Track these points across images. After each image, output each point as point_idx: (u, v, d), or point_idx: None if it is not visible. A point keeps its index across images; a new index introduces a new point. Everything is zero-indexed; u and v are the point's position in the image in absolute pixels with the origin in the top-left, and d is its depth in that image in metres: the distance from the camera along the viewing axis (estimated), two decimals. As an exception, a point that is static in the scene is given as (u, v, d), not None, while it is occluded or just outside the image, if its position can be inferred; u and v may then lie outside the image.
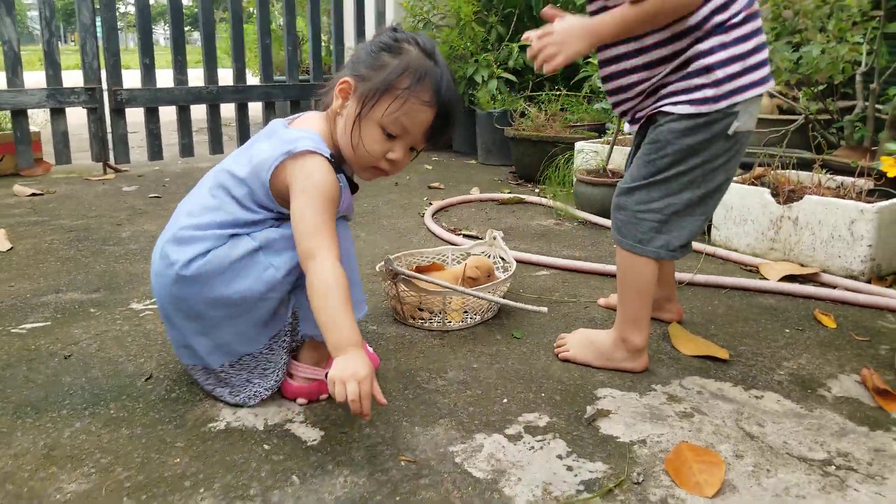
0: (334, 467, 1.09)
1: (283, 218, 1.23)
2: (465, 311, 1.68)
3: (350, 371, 1.06)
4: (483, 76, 4.17)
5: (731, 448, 1.16)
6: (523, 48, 4.27)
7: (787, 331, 1.66)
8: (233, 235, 1.20)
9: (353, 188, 1.32)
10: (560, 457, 1.13)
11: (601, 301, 1.83)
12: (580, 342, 1.48)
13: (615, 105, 1.43)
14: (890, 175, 1.71)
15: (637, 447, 1.16)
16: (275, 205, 1.22)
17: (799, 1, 2.48)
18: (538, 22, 4.46)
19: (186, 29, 4.10)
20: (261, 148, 1.24)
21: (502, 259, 1.92)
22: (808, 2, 2.46)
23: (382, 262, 1.64)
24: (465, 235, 2.48)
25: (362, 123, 1.21)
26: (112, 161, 3.81)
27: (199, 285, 1.18)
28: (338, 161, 1.24)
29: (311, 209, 1.15)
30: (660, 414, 1.27)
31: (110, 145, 3.82)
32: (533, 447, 1.15)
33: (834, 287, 1.95)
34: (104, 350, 1.50)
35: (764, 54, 1.28)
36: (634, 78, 1.35)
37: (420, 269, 1.80)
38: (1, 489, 1.03)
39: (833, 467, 1.11)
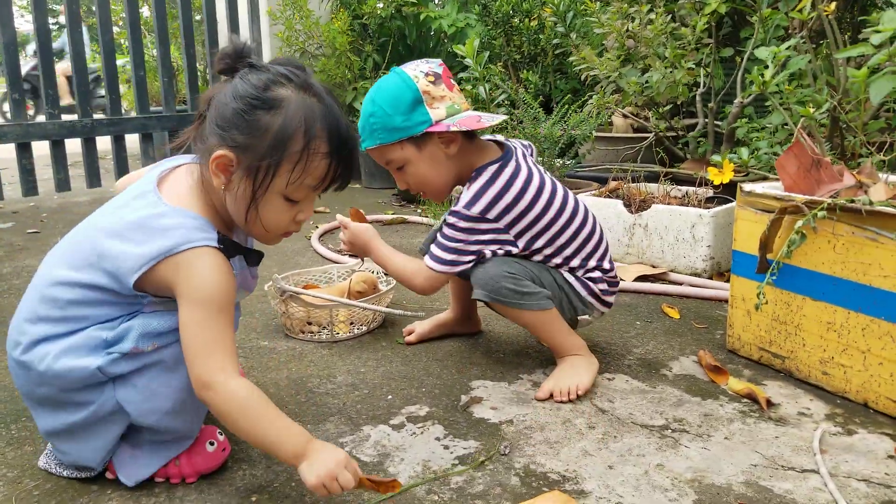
0: (233, 464, 1.19)
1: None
2: (352, 323, 1.81)
3: (330, 465, 0.99)
4: (362, 103, 4.32)
5: (585, 421, 1.34)
6: (400, 76, 4.47)
7: (639, 323, 1.89)
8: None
9: (256, 257, 1.19)
10: (438, 439, 1.27)
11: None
12: (568, 375, 1.47)
13: None
14: (716, 183, 1.98)
15: (505, 426, 1.32)
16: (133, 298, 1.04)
17: (640, 31, 2.79)
18: (411, 49, 4.70)
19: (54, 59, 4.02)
20: (118, 247, 1.02)
21: (385, 274, 2.06)
22: (648, 31, 2.77)
23: (271, 282, 1.75)
24: (350, 255, 2.60)
25: (259, 203, 1.06)
26: (-17, 198, 3.68)
27: None
28: (226, 238, 1.08)
29: (200, 325, 1.00)
30: (526, 398, 1.44)
31: (-20, 182, 3.70)
32: (414, 433, 1.29)
33: (680, 284, 2.21)
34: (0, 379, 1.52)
35: None
36: None
37: (308, 287, 1.91)
38: None
39: (669, 430, 1.31)
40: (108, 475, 1.14)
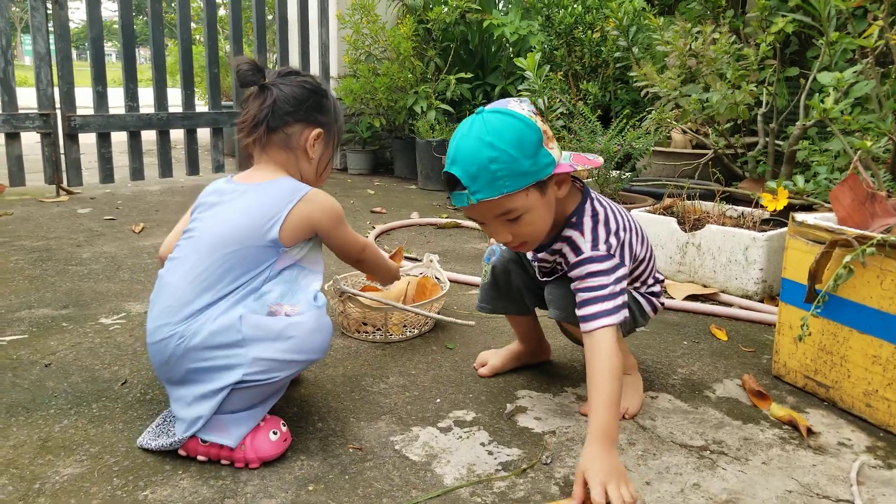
0: (292, 454, 1.28)
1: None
2: (405, 326, 1.90)
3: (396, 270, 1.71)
4: (422, 107, 4.43)
5: (626, 437, 1.40)
6: (460, 80, 4.56)
7: (685, 343, 1.93)
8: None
9: None
10: (483, 444, 1.35)
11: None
12: (626, 394, 1.50)
13: None
14: (769, 209, 2.00)
15: (548, 436, 1.39)
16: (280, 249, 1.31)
17: (703, 50, 2.81)
18: (473, 55, 4.78)
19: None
20: (248, 205, 1.33)
21: (437, 279, 2.15)
22: (710, 51, 2.78)
23: (331, 282, 1.85)
24: (405, 258, 2.70)
25: (331, 161, 1.52)
26: (65, 184, 3.91)
27: None
28: None
29: (347, 232, 1.44)
30: (569, 410, 1.50)
31: (63, 168, 3.92)
32: (461, 437, 1.37)
33: (730, 305, 2.23)
34: (80, 359, 1.66)
35: None
36: None
37: (365, 289, 2.00)
38: (6, 472, 1.19)
39: (708, 452, 1.36)
40: (181, 452, 1.25)
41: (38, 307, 2.01)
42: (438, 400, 1.52)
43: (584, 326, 1.29)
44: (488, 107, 1.29)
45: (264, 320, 1.23)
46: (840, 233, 1.50)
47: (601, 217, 1.38)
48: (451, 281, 2.13)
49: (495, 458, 1.30)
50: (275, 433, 1.25)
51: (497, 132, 1.23)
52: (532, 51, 4.12)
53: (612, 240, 1.35)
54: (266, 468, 1.24)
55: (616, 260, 1.34)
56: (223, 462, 1.24)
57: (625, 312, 1.31)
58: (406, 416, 1.45)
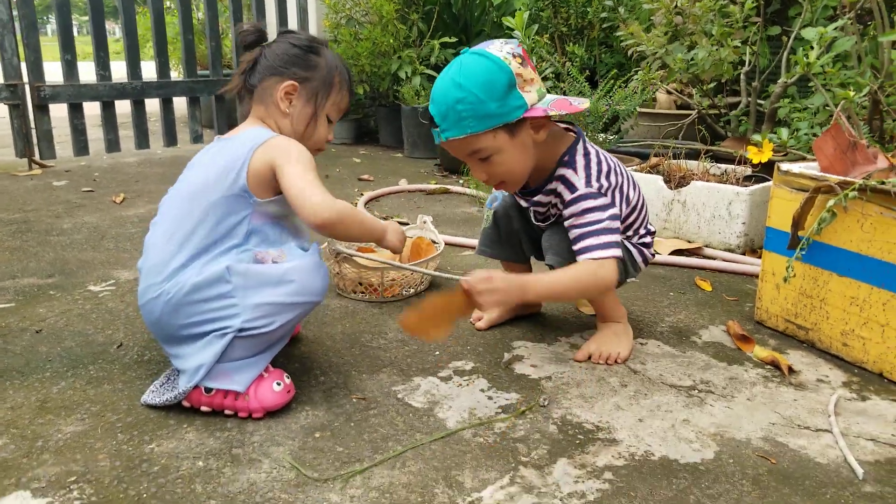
0: (297, 405, 1.30)
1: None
2: (401, 286, 1.91)
3: (399, 232, 1.50)
4: (407, 72, 4.39)
5: (619, 380, 1.44)
6: (444, 45, 4.52)
7: (672, 294, 1.97)
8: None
9: None
10: (482, 390, 1.38)
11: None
12: (610, 342, 1.53)
13: None
14: (754, 161, 2.04)
15: (544, 381, 1.42)
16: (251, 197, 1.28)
17: (689, 7, 2.82)
18: (456, 18, 4.74)
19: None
20: (216, 160, 1.32)
21: (432, 241, 2.16)
22: (696, 8, 2.80)
23: (325, 244, 1.85)
24: (397, 222, 2.70)
25: (317, 120, 1.41)
26: (37, 157, 3.84)
27: None
28: None
29: (304, 174, 1.25)
30: (563, 358, 1.54)
31: (35, 141, 3.85)
32: (461, 384, 1.40)
33: (713, 258, 2.28)
34: (72, 325, 1.66)
35: None
36: None
37: (361, 250, 2.01)
38: (6, 433, 1.20)
39: (696, 391, 1.40)
40: (185, 403, 1.27)
41: (23, 277, 1.99)
42: (437, 352, 1.55)
43: (580, 258, 1.35)
44: (472, 48, 1.33)
45: (254, 267, 1.24)
46: (823, 179, 1.54)
47: (593, 158, 1.42)
48: (445, 243, 2.14)
49: (495, 403, 1.33)
50: (278, 384, 1.27)
51: (468, 73, 1.28)
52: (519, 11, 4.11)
53: (604, 180, 1.40)
54: (271, 419, 1.26)
55: (608, 199, 1.38)
56: (227, 413, 1.26)
57: (618, 251, 1.35)
58: (406, 367, 1.47)
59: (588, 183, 1.38)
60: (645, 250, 1.61)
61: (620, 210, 1.42)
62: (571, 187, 1.40)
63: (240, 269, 1.23)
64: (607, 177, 1.41)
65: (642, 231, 1.60)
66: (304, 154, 1.29)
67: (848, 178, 1.50)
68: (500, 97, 1.27)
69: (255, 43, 1.40)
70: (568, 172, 1.41)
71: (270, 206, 1.30)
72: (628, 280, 1.63)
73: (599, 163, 1.42)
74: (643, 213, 1.58)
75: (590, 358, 1.52)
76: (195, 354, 1.25)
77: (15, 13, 3.67)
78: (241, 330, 1.22)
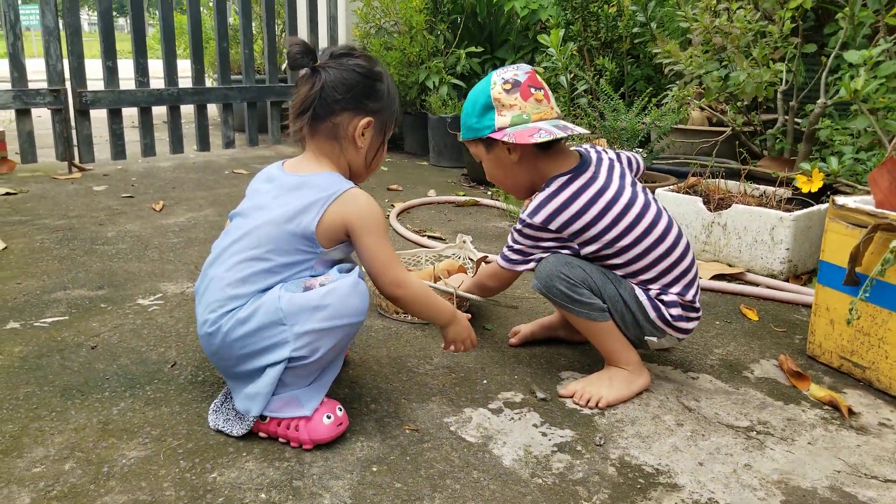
0: (351, 435, 1.31)
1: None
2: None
3: (465, 329, 1.46)
4: (434, 82, 4.39)
5: (674, 418, 1.42)
6: (470, 55, 4.52)
7: (718, 322, 1.95)
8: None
9: None
10: (535, 426, 1.37)
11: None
12: (597, 384, 1.49)
13: None
14: (804, 191, 2.01)
15: (597, 418, 1.41)
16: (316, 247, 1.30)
17: (728, 28, 2.79)
18: (482, 27, 4.74)
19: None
20: (288, 201, 1.30)
21: (471, 260, 2.16)
22: (736, 28, 2.77)
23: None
24: (429, 237, 2.71)
25: (382, 149, 1.44)
26: (77, 160, 3.89)
27: None
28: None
29: (381, 245, 1.31)
30: (614, 391, 1.52)
31: (75, 145, 3.90)
32: (513, 418, 1.39)
33: (757, 285, 2.25)
34: (125, 341, 1.67)
35: None
36: None
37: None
38: (72, 456, 1.21)
39: (754, 432, 1.39)
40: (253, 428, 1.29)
41: (73, 288, 2.02)
42: (485, 381, 1.55)
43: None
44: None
45: (299, 296, 1.24)
46: (883, 217, 1.52)
47: (562, 195, 1.46)
48: (485, 262, 2.14)
49: (549, 440, 1.32)
50: (328, 417, 1.27)
51: (474, 89, 1.55)
52: (541, 23, 4.10)
53: (556, 218, 1.45)
54: (328, 450, 1.26)
55: (543, 234, 1.48)
56: (281, 441, 1.27)
57: (517, 266, 1.53)
58: (455, 397, 1.47)
59: (531, 214, 1.47)
60: (662, 308, 1.48)
61: (556, 234, 1.47)
62: (525, 208, 1.51)
63: (287, 297, 1.23)
64: (562, 219, 1.45)
65: (671, 290, 1.50)
66: (382, 221, 1.33)
67: (908, 217, 1.48)
68: (477, 115, 1.51)
69: (303, 64, 1.34)
70: (534, 196, 1.52)
71: (333, 254, 1.32)
72: (648, 339, 1.52)
73: (564, 204, 1.45)
74: (665, 272, 1.49)
75: (572, 396, 1.48)
76: (252, 386, 1.26)
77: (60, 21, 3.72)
78: (289, 360, 1.23)
